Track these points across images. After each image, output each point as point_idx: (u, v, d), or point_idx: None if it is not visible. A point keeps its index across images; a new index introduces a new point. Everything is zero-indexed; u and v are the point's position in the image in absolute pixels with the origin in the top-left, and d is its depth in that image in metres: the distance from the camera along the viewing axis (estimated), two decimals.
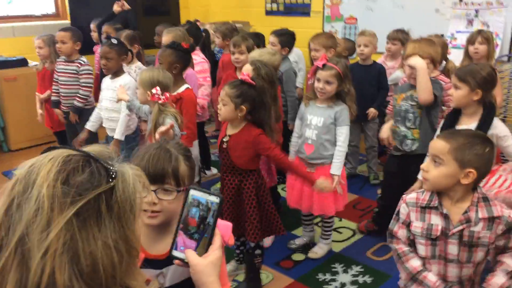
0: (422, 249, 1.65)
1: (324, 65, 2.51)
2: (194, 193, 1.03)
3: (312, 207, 2.66)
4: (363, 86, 3.52)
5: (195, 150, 2.97)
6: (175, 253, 1.03)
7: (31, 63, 4.64)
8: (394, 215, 1.74)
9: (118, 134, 3.08)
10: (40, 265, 0.61)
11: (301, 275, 2.65)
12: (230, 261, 2.68)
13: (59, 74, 3.74)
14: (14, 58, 4.61)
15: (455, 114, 2.33)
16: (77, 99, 3.62)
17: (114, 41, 3.08)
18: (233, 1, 5.92)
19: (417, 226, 1.65)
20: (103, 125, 3.26)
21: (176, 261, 1.04)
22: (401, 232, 1.70)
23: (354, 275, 2.63)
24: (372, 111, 3.61)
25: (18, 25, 4.93)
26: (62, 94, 3.73)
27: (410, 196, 1.70)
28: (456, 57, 3.58)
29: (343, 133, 2.59)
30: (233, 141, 2.32)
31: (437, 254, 1.64)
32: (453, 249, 1.61)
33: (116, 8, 4.26)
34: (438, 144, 1.60)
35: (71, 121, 3.68)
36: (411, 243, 1.70)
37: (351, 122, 3.77)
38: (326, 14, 5.07)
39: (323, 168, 2.61)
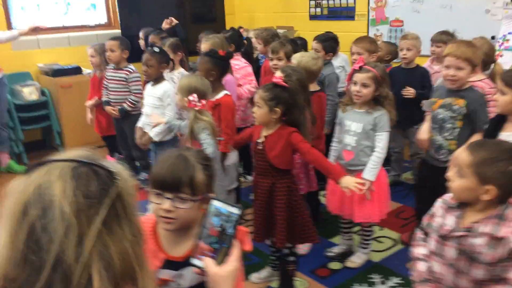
0: (431, 243, 1.66)
1: (361, 68, 2.49)
2: (216, 204, 1.07)
3: (353, 214, 2.62)
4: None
5: (233, 155, 3.02)
6: (194, 261, 1.07)
7: (85, 70, 4.90)
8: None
9: (153, 133, 3.19)
10: (82, 277, 0.65)
11: (336, 284, 2.63)
12: (265, 267, 2.70)
13: (108, 81, 3.93)
14: (69, 67, 4.88)
15: (499, 120, 2.23)
16: (128, 103, 3.78)
17: (156, 49, 3.21)
18: (277, 6, 5.95)
19: (436, 221, 1.65)
20: (145, 130, 3.38)
21: (194, 269, 1.08)
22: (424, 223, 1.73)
23: (392, 287, 2.58)
24: (408, 90, 3.45)
25: (73, 35, 5.23)
26: (112, 100, 3.91)
27: (447, 195, 1.67)
28: (509, 59, 3.43)
29: (382, 139, 2.55)
30: (270, 141, 2.34)
31: (441, 253, 1.62)
32: (449, 251, 1.57)
33: (164, 25, 4.48)
34: (462, 155, 1.55)
35: (115, 116, 3.83)
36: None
37: (394, 128, 3.72)
38: (371, 17, 4.99)
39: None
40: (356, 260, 2.78)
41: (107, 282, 0.67)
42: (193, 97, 2.48)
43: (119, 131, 4.04)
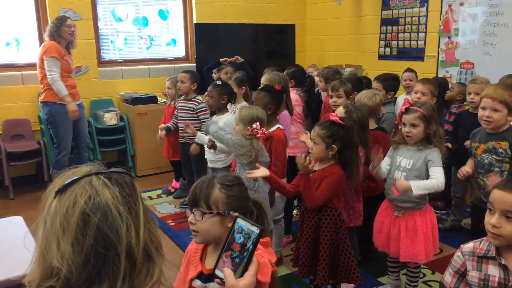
0: None
1: (407, 109, 2.51)
2: (239, 221, 1.18)
3: (399, 252, 2.58)
4: None
5: None
6: (217, 272, 1.18)
7: (160, 100, 5.29)
8: (447, 266, 1.68)
9: (200, 139, 3.47)
10: (143, 259, 0.85)
11: None
12: None
13: (179, 110, 4.23)
14: (146, 96, 5.31)
15: None
16: (202, 132, 4.01)
17: (219, 82, 3.45)
18: (347, 45, 6.06)
19: (474, 276, 1.59)
20: (206, 157, 3.58)
21: (216, 280, 1.19)
22: (447, 279, 1.66)
23: None
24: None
25: (153, 67, 5.69)
26: (181, 129, 4.19)
27: (467, 246, 1.64)
28: None
29: (438, 173, 2.45)
30: (317, 176, 2.41)
31: None
32: None
33: (222, 60, 4.82)
34: (508, 198, 1.51)
35: (192, 153, 4.03)
36: None
37: (456, 171, 3.61)
38: (441, 59, 4.93)
39: (411, 213, 2.54)
40: None
41: (161, 259, 0.88)
42: (256, 125, 2.65)
43: (184, 157, 4.29)
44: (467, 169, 2.64)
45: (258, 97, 3.05)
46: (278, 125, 3.02)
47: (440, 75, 4.90)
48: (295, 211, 3.87)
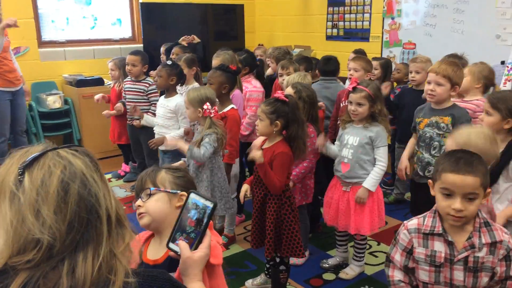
0: (425, 275, 1.65)
1: (354, 88, 2.60)
2: (193, 197, 1.19)
3: (348, 225, 2.70)
4: (414, 110, 3.52)
5: (235, 167, 3.14)
6: (171, 245, 1.19)
7: (107, 82, 5.14)
8: (393, 240, 1.76)
9: (147, 121, 3.56)
10: (115, 219, 0.88)
11: None
12: (260, 274, 2.79)
13: (126, 92, 4.12)
14: (92, 78, 5.13)
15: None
16: (150, 113, 3.95)
17: (169, 62, 3.39)
18: (295, 26, 6.12)
19: (421, 252, 1.63)
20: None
21: (171, 253, 1.20)
22: (398, 258, 1.69)
23: None
24: None
25: (98, 48, 5.50)
26: (128, 111, 4.10)
27: (412, 223, 1.68)
28: None
29: (382, 153, 2.65)
30: (265, 154, 2.44)
31: (442, 280, 1.63)
32: (459, 275, 1.60)
33: (182, 41, 4.69)
34: (469, 181, 1.51)
35: (137, 126, 3.99)
36: (407, 271, 1.69)
37: (400, 148, 3.79)
38: (385, 39, 5.09)
39: (358, 188, 2.66)
40: (349, 272, 2.84)
41: (128, 223, 0.93)
42: (207, 105, 2.64)
43: (134, 140, 4.22)
44: (403, 166, 2.78)
45: (213, 75, 3.03)
46: (232, 105, 3.03)
47: (384, 55, 5.07)
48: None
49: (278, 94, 2.47)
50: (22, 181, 0.81)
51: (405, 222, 1.72)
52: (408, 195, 4.00)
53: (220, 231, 3.27)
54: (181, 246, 1.15)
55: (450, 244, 1.59)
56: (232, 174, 3.05)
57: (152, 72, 4.35)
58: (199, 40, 4.92)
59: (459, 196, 1.52)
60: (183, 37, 4.81)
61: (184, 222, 1.18)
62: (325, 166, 3.11)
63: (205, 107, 2.64)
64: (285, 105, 2.43)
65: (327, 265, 2.94)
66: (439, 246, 1.61)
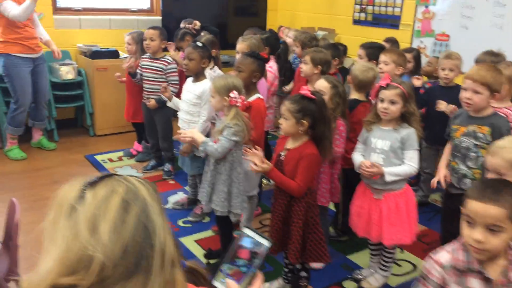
0: None
1: (387, 85, 2.40)
2: (247, 232, 1.09)
3: (382, 236, 2.51)
4: None
5: None
6: (216, 283, 1.06)
7: (122, 55, 4.93)
8: (420, 277, 1.58)
9: (174, 103, 3.34)
10: (170, 257, 0.83)
11: None
12: (277, 278, 2.66)
13: (143, 69, 3.92)
14: (107, 49, 4.92)
15: None
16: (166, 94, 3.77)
17: (199, 43, 3.17)
18: (320, 7, 5.84)
19: None
20: (179, 124, 3.36)
21: None
22: None
23: None
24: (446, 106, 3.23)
25: (114, 18, 5.27)
26: (146, 89, 3.91)
27: (445, 258, 1.52)
28: None
29: (413, 157, 2.43)
30: (289, 156, 2.30)
31: None
32: None
33: (182, 25, 4.50)
34: (492, 211, 1.38)
35: (150, 107, 3.84)
36: None
37: (426, 148, 3.60)
38: (416, 28, 4.83)
39: (392, 195, 2.47)
40: (373, 283, 2.69)
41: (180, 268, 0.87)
42: (234, 94, 2.47)
43: (148, 120, 4.05)
44: (442, 176, 2.55)
45: (243, 62, 2.82)
46: (257, 95, 2.84)
47: (415, 45, 4.82)
48: (264, 181, 3.76)
49: (304, 90, 2.28)
50: (83, 196, 0.79)
51: (433, 256, 1.56)
52: (433, 197, 3.84)
53: (236, 226, 3.13)
54: (230, 285, 1.03)
55: (488, 281, 1.45)
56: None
57: (170, 47, 4.13)
58: (200, 24, 4.62)
59: (480, 226, 1.40)
60: (184, 22, 4.55)
61: (234, 255, 1.07)
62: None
63: (231, 95, 2.46)
64: (312, 103, 2.25)
65: (361, 277, 2.75)
66: (475, 284, 1.47)
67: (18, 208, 1.99)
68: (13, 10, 3.85)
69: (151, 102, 3.80)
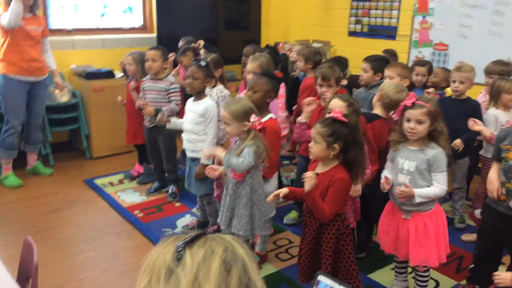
0: None
1: (413, 104, 2.34)
2: (324, 281, 1.03)
3: (409, 256, 2.42)
4: (454, 122, 3.25)
5: (274, 182, 2.89)
6: None
7: (118, 74, 4.82)
8: None
9: (176, 123, 3.33)
10: None
11: None
12: None
13: (146, 91, 3.80)
14: (103, 70, 4.81)
15: None
16: (168, 108, 3.67)
17: (203, 63, 3.13)
18: (314, 20, 5.82)
19: None
20: (183, 145, 3.28)
21: None
22: None
23: None
24: (457, 143, 3.24)
25: (108, 37, 5.16)
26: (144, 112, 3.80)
27: None
28: None
29: (441, 180, 2.34)
30: (320, 180, 2.21)
31: None
32: None
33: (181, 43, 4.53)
34: None
35: (147, 114, 3.74)
36: None
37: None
38: (414, 39, 4.83)
39: (420, 215, 2.39)
40: None
41: None
42: (254, 118, 2.40)
43: (150, 142, 3.94)
44: (495, 188, 2.39)
45: (258, 82, 2.75)
46: (270, 115, 2.77)
47: (413, 55, 4.83)
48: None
49: (336, 114, 2.21)
50: (181, 258, 0.75)
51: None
52: (443, 208, 3.78)
53: (251, 248, 3.04)
54: None
55: None
56: (271, 190, 2.80)
57: (167, 64, 4.05)
58: (204, 43, 4.60)
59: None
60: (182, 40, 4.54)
61: None
62: None
63: (252, 119, 2.38)
64: (344, 126, 2.18)
65: None
66: None
67: (35, 249, 1.87)
68: (5, 18, 3.77)
69: (149, 109, 3.68)
